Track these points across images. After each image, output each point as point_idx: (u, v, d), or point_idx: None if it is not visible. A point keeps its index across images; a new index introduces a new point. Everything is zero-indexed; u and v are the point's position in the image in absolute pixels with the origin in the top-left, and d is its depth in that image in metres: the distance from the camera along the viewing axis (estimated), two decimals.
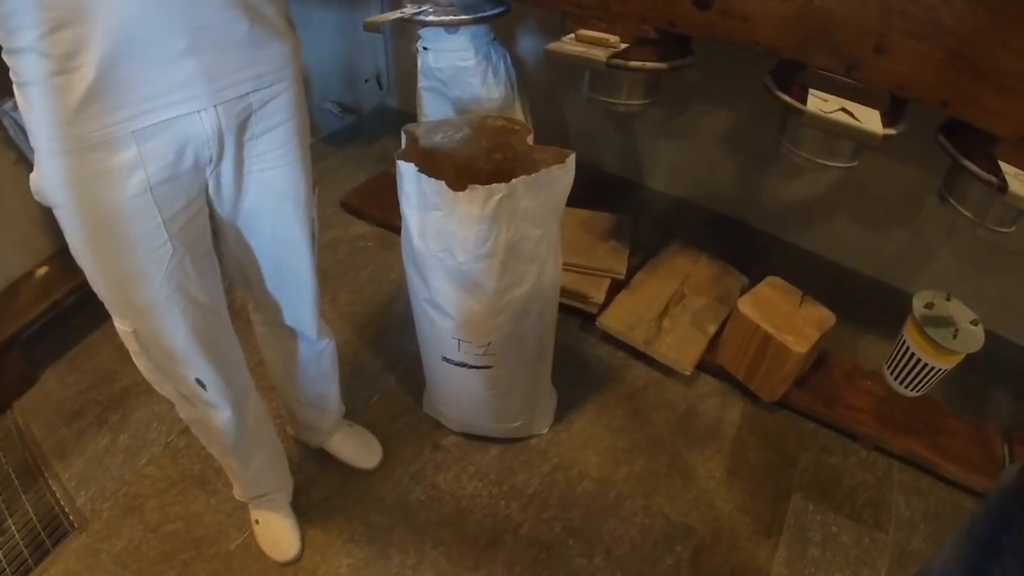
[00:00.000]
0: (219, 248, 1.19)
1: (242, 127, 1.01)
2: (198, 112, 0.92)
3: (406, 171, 1.26)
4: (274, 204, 1.14)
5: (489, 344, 1.46)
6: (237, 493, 1.59)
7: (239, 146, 1.02)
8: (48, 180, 0.90)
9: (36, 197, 0.94)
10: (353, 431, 1.77)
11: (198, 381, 1.19)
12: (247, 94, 0.98)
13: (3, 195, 1.86)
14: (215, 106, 0.94)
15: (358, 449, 1.75)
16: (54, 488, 1.69)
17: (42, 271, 2.01)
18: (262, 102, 1.01)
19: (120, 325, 1.08)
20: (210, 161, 1.00)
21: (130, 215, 0.94)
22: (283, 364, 1.51)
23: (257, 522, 1.58)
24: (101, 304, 1.07)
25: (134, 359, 1.14)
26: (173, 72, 0.87)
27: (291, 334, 1.42)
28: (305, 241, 1.24)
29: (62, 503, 1.66)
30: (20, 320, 1.89)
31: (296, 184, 1.15)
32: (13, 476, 1.72)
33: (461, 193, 1.21)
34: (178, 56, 0.86)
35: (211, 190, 1.06)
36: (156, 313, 1.05)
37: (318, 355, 1.49)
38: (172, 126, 0.91)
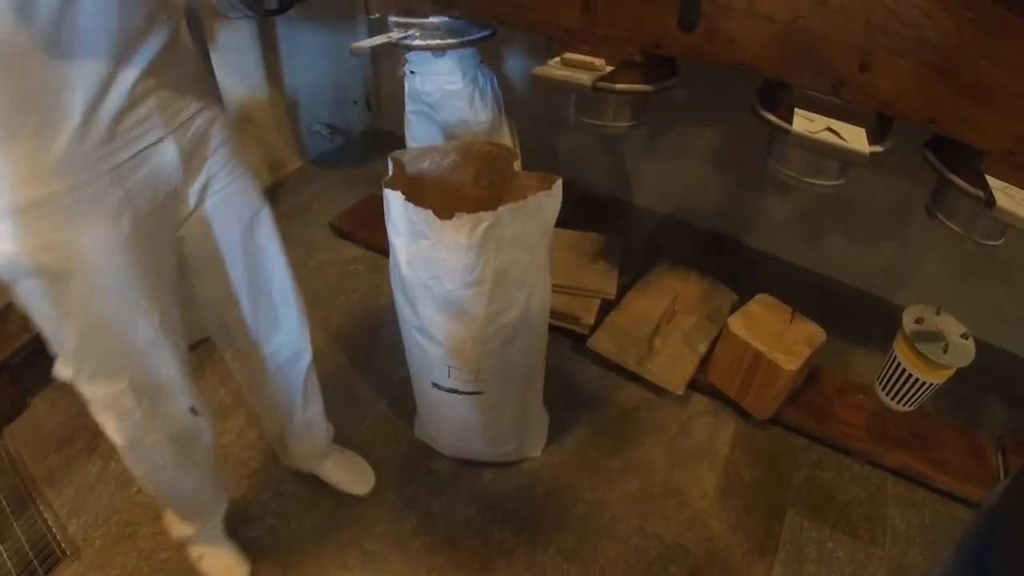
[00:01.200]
0: (196, 296, 1.22)
1: (197, 148, 1.06)
2: (161, 140, 0.97)
3: (393, 199, 1.26)
4: (240, 218, 1.17)
5: (479, 370, 1.45)
6: (181, 531, 1.52)
7: (198, 167, 1.07)
8: (27, 246, 0.89)
9: (7, 275, 0.92)
10: (345, 457, 1.76)
11: (192, 409, 1.21)
12: (193, 116, 1.03)
13: None
14: (173, 131, 0.98)
15: (351, 475, 1.74)
16: (46, 515, 1.68)
17: None
18: (208, 122, 1.07)
19: (111, 388, 1.08)
20: (178, 187, 1.04)
21: (128, 255, 0.97)
22: (272, 398, 1.50)
23: (201, 557, 1.55)
24: None
25: (119, 424, 1.13)
26: (136, 111, 0.91)
27: (279, 363, 1.41)
28: (279, 249, 1.28)
29: (54, 530, 1.64)
30: (10, 346, 1.88)
31: (253, 198, 1.19)
32: (4, 503, 1.70)
33: (448, 221, 1.21)
34: (138, 97, 0.91)
35: (182, 223, 1.09)
36: (156, 349, 1.08)
37: (306, 374, 1.48)
38: (145, 160, 0.95)
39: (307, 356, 1.46)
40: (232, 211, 1.15)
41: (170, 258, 1.10)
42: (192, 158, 1.05)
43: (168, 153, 0.99)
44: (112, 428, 1.14)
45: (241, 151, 1.17)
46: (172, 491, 1.38)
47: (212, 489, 1.46)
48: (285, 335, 1.38)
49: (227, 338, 1.33)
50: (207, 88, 1.08)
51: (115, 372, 1.07)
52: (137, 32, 0.87)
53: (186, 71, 1.01)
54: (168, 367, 1.12)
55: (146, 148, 0.94)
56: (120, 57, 0.85)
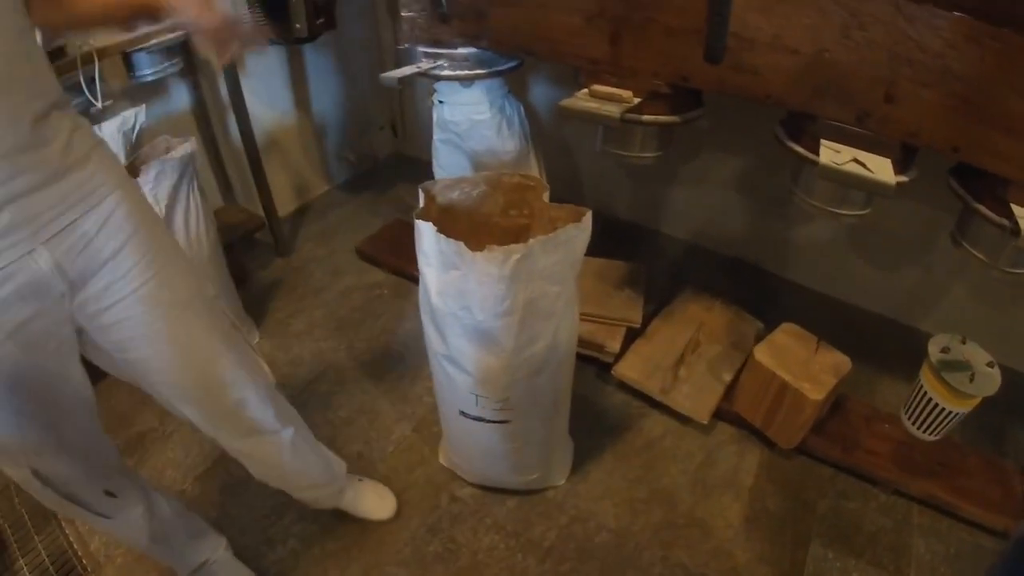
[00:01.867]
0: (143, 381, 1.15)
1: (86, 254, 0.96)
2: (29, 254, 0.88)
3: (425, 231, 1.27)
4: (162, 320, 1.07)
5: (507, 399, 1.46)
6: None
7: (90, 275, 0.97)
8: None
9: None
10: (364, 486, 1.75)
11: (107, 492, 1.20)
12: (74, 222, 0.93)
13: None
14: (43, 243, 0.90)
15: (372, 503, 1.74)
16: (67, 531, 1.70)
17: None
18: (99, 224, 0.97)
19: (16, 472, 1.06)
20: (63, 296, 0.96)
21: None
22: (263, 468, 1.44)
23: None
24: None
25: (39, 497, 1.12)
26: None
27: (256, 436, 1.33)
28: (216, 340, 1.17)
29: (75, 547, 1.66)
30: None
31: (178, 290, 1.09)
32: (26, 517, 1.72)
33: (480, 253, 1.22)
34: None
35: (87, 327, 1.03)
36: (50, 449, 1.05)
37: (292, 444, 1.39)
38: (11, 275, 0.87)
39: (285, 436, 1.37)
40: (151, 312, 1.05)
41: (71, 359, 1.03)
42: (78, 266, 0.95)
43: (42, 264, 0.90)
44: (36, 495, 1.12)
45: (165, 232, 1.10)
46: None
47: (172, 553, 1.46)
48: (254, 422, 1.29)
49: (189, 415, 1.23)
50: (101, 180, 0.97)
51: (13, 462, 1.04)
52: None
53: (59, 172, 0.90)
54: (66, 464, 1.09)
55: (8, 264, 0.86)
56: None
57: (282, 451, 1.38)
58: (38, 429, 1.02)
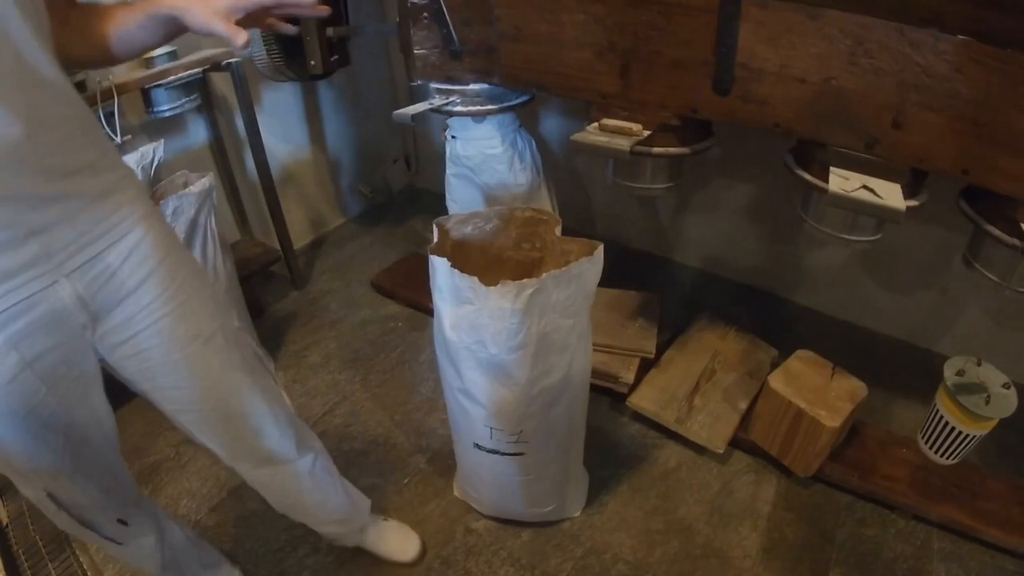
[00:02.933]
0: (164, 409, 1.15)
1: (108, 287, 0.96)
2: (51, 285, 0.88)
3: (439, 266, 1.29)
4: (183, 351, 1.07)
5: (521, 432, 1.47)
6: None
7: (111, 307, 0.98)
8: None
9: None
10: (388, 526, 1.74)
11: (120, 521, 1.20)
12: (99, 254, 0.93)
13: None
14: (66, 276, 0.90)
15: (395, 544, 1.72)
16: (81, 559, 1.70)
17: None
18: (123, 256, 0.96)
19: (30, 492, 1.05)
20: (84, 328, 0.96)
21: (14, 398, 0.91)
22: (282, 497, 1.45)
23: None
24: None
25: (52, 519, 1.12)
26: (16, 256, 0.83)
27: (275, 469, 1.34)
28: (238, 372, 1.17)
29: (88, 574, 1.66)
30: None
31: (200, 322, 1.09)
32: (40, 544, 1.73)
33: (493, 288, 1.23)
34: (17, 242, 0.83)
35: (108, 357, 1.03)
36: (64, 476, 1.05)
37: (311, 472, 1.39)
38: (34, 305, 0.87)
39: (304, 465, 1.38)
40: (172, 345, 1.05)
41: (92, 389, 1.04)
42: (100, 298, 0.95)
43: (64, 296, 0.90)
44: (50, 516, 1.11)
45: (191, 263, 1.10)
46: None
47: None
48: (272, 451, 1.30)
49: (208, 441, 1.23)
50: (126, 212, 0.97)
51: (28, 484, 1.04)
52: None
53: (86, 204, 0.90)
54: (80, 490, 1.08)
55: (32, 295, 0.86)
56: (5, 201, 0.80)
57: (301, 480, 1.39)
58: (55, 456, 1.01)
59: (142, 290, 0.99)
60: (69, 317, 0.93)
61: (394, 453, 2.01)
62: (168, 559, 1.36)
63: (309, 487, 1.42)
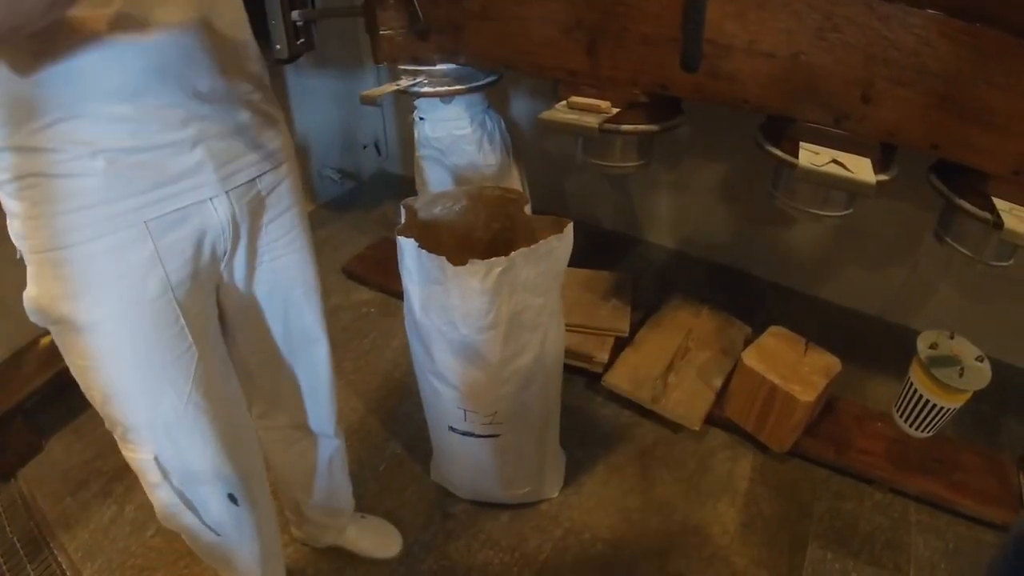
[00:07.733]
0: (229, 346, 1.13)
1: (255, 214, 0.98)
2: (210, 199, 0.88)
3: (407, 246, 1.27)
4: (286, 292, 1.11)
5: (495, 413, 1.46)
6: None
7: (253, 234, 0.99)
8: (50, 292, 0.82)
9: (33, 318, 0.86)
10: (368, 522, 1.70)
11: (230, 497, 1.10)
12: (255, 179, 0.95)
13: (4, 265, 1.87)
14: (227, 192, 0.90)
15: (376, 540, 1.69)
16: (60, 559, 1.67)
17: (46, 340, 2.00)
18: (269, 188, 0.99)
19: (137, 454, 0.98)
20: (224, 253, 0.96)
21: (151, 320, 0.88)
22: (293, 470, 1.44)
23: None
24: None
25: (152, 493, 1.04)
26: (181, 160, 0.83)
27: (303, 436, 1.35)
28: (321, 329, 1.21)
29: (68, 575, 1.63)
30: (25, 388, 1.90)
31: (306, 270, 1.13)
32: (18, 545, 1.70)
33: (461, 267, 1.22)
34: (186, 144, 0.83)
35: (224, 283, 1.01)
36: (184, 427, 0.98)
37: (331, 456, 1.42)
38: (186, 218, 0.86)
39: (332, 445, 1.40)
40: (279, 285, 1.09)
41: (210, 325, 1.01)
42: (245, 224, 0.96)
43: (217, 215, 0.90)
44: (150, 489, 1.04)
45: (304, 217, 1.11)
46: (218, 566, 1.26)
47: None
48: (311, 419, 1.32)
49: (256, 389, 1.23)
50: (280, 145, 1.00)
51: (140, 441, 0.97)
52: (202, 75, 0.82)
53: (254, 121, 0.93)
54: (198, 448, 1.01)
55: (188, 206, 0.86)
56: (181, 97, 0.81)
57: (319, 458, 1.41)
58: (178, 397, 0.95)
59: (272, 225, 1.03)
60: (215, 241, 0.93)
61: (369, 440, 2.00)
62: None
63: (325, 470, 1.44)
